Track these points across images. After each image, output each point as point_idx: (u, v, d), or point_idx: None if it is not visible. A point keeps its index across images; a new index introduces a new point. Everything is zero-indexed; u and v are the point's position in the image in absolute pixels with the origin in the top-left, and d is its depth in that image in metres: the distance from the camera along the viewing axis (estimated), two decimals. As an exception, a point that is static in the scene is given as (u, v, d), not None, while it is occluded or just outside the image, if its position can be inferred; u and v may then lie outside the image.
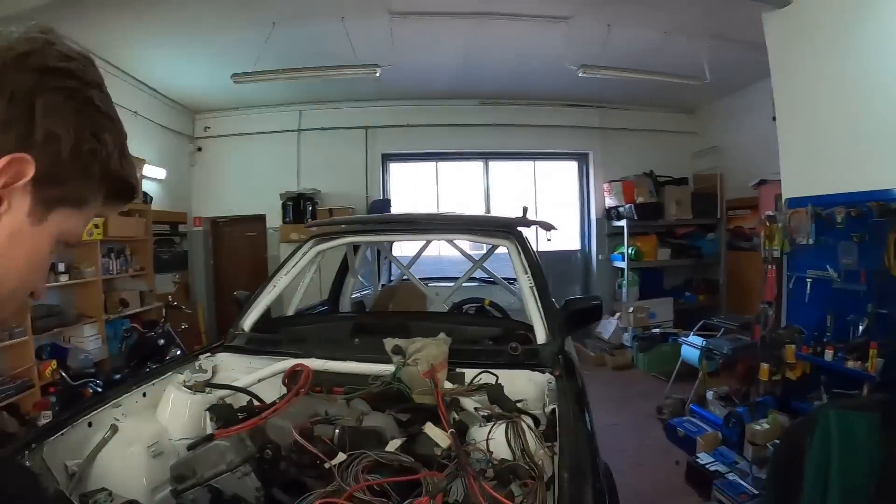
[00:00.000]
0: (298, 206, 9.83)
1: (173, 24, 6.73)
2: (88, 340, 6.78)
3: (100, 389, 5.70)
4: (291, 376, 2.46)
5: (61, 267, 6.51)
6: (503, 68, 8.67)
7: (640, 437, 6.06)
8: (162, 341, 6.60)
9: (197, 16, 6.53)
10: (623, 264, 10.01)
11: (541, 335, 3.01)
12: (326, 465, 1.80)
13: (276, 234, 10.07)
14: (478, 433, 2.07)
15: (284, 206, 9.88)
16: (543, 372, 2.69)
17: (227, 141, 10.68)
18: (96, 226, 6.79)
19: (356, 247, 5.23)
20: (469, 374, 2.63)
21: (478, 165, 11.27)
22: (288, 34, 6.81)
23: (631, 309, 9.12)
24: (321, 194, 10.11)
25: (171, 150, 9.95)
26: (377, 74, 7.10)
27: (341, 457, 1.82)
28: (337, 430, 1.98)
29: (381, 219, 6.04)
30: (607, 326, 9.60)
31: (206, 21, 6.67)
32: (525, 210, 4.60)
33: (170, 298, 7.27)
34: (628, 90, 9.29)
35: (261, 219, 10.45)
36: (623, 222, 9.91)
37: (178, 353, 6.59)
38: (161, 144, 9.54)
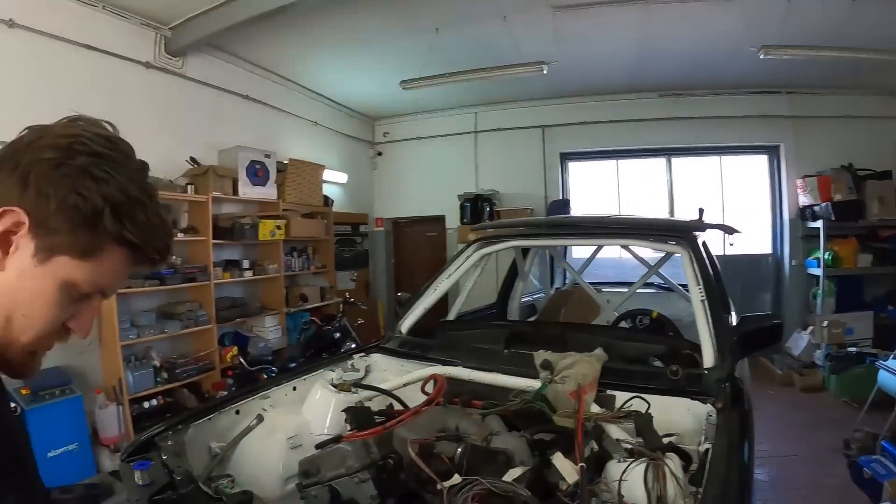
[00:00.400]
0: (476, 207, 9.87)
1: (340, 38, 7.04)
2: (269, 330, 7.29)
3: (275, 376, 5.97)
4: (429, 385, 2.38)
5: (246, 264, 7.13)
6: (680, 56, 7.98)
7: (819, 474, 5.24)
8: (338, 335, 6.81)
9: (361, 28, 6.76)
10: (818, 271, 8.72)
11: (708, 358, 2.63)
12: (438, 487, 1.70)
13: (455, 234, 10.21)
14: (614, 469, 1.85)
15: (462, 207, 9.97)
16: (705, 402, 2.33)
17: (406, 145, 11.07)
18: (279, 227, 7.28)
19: (525, 250, 5.08)
20: (622, 397, 2.36)
21: (660, 162, 10.58)
22: (451, 38, 6.84)
23: (825, 323, 7.97)
24: (499, 195, 10.06)
25: (352, 155, 10.54)
26: (544, 71, 6.92)
27: (455, 479, 1.71)
28: (459, 449, 1.86)
29: (545, 222, 5.82)
30: (798, 342, 8.53)
31: (370, 32, 6.89)
32: (701, 212, 4.22)
33: (347, 295, 7.53)
34: (819, 72, 8.07)
35: (440, 219, 10.69)
36: (819, 223, 8.61)
37: (353, 346, 6.81)
38: (342, 151, 10.19)
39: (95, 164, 0.85)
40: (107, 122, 0.95)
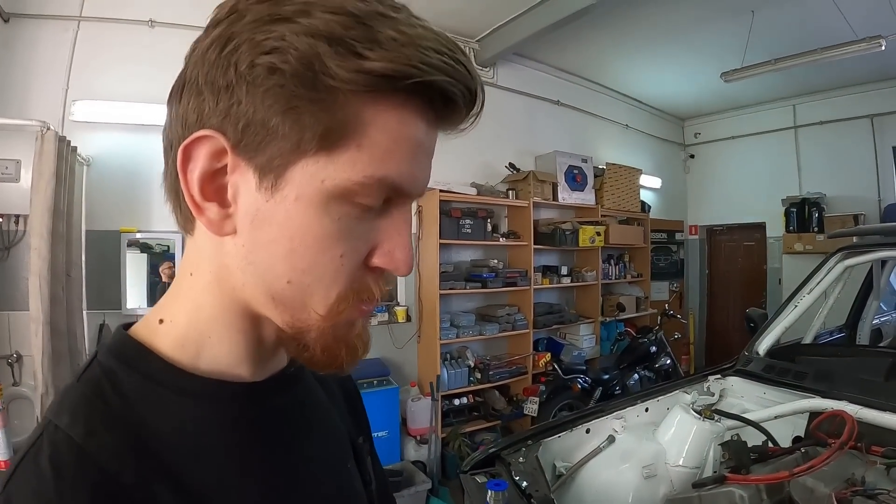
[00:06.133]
0: (803, 213, 8.65)
1: (650, 35, 6.64)
2: (583, 339, 7.17)
3: (587, 385, 5.95)
4: (824, 424, 1.99)
5: (564, 270, 7.08)
6: None
7: None
8: (654, 348, 6.53)
9: (672, 22, 6.28)
10: None
11: None
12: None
13: (776, 244, 9.14)
14: None
15: (787, 213, 8.80)
16: None
17: (719, 145, 10.18)
18: (598, 233, 7.09)
19: (883, 263, 4.33)
20: None
21: None
22: (770, 21, 6.05)
23: None
24: (826, 199, 8.63)
25: (663, 158, 10.05)
26: (882, 47, 5.74)
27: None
28: (880, 509, 1.47)
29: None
30: None
31: (682, 25, 6.37)
32: None
33: (666, 306, 7.16)
34: None
35: (759, 227, 9.61)
36: None
37: (668, 361, 6.52)
38: (654, 154, 9.75)
39: (277, 4, 0.52)
40: None
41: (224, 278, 0.62)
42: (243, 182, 0.56)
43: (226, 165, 0.56)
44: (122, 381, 0.60)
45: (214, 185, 0.57)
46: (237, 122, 0.53)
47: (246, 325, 0.65)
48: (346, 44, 0.50)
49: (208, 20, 0.57)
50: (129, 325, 0.68)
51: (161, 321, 0.65)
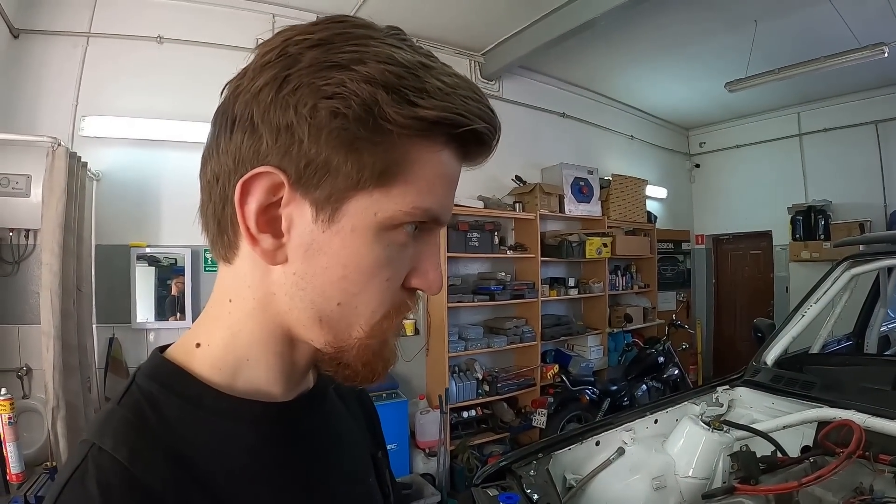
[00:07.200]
0: (809, 221, 8.56)
1: (654, 47, 6.67)
2: (590, 350, 7.14)
3: (595, 397, 5.98)
4: (832, 434, 1.99)
5: (571, 282, 7.09)
6: None
7: None
8: (661, 359, 6.52)
9: (676, 34, 6.31)
10: None
11: None
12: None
13: (783, 252, 9.07)
14: None
15: (793, 222, 8.71)
16: None
17: (724, 155, 10.16)
18: (605, 244, 7.09)
19: (890, 269, 4.32)
20: None
21: None
22: (773, 31, 6.07)
23: None
24: (832, 206, 8.52)
25: (669, 169, 10.04)
26: (885, 54, 5.74)
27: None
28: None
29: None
30: None
31: (686, 37, 6.40)
32: None
33: (674, 317, 7.15)
34: None
35: (766, 235, 9.56)
36: None
37: (676, 372, 6.50)
38: (660, 164, 9.75)
39: (330, 51, 0.56)
40: None
41: (268, 304, 0.65)
42: (298, 215, 0.60)
43: (280, 199, 0.59)
44: (162, 404, 0.62)
45: (267, 217, 0.60)
46: (299, 160, 0.57)
47: (283, 348, 0.67)
48: (401, 92, 0.55)
49: (251, 60, 0.60)
50: (164, 348, 0.70)
51: (198, 345, 0.67)
